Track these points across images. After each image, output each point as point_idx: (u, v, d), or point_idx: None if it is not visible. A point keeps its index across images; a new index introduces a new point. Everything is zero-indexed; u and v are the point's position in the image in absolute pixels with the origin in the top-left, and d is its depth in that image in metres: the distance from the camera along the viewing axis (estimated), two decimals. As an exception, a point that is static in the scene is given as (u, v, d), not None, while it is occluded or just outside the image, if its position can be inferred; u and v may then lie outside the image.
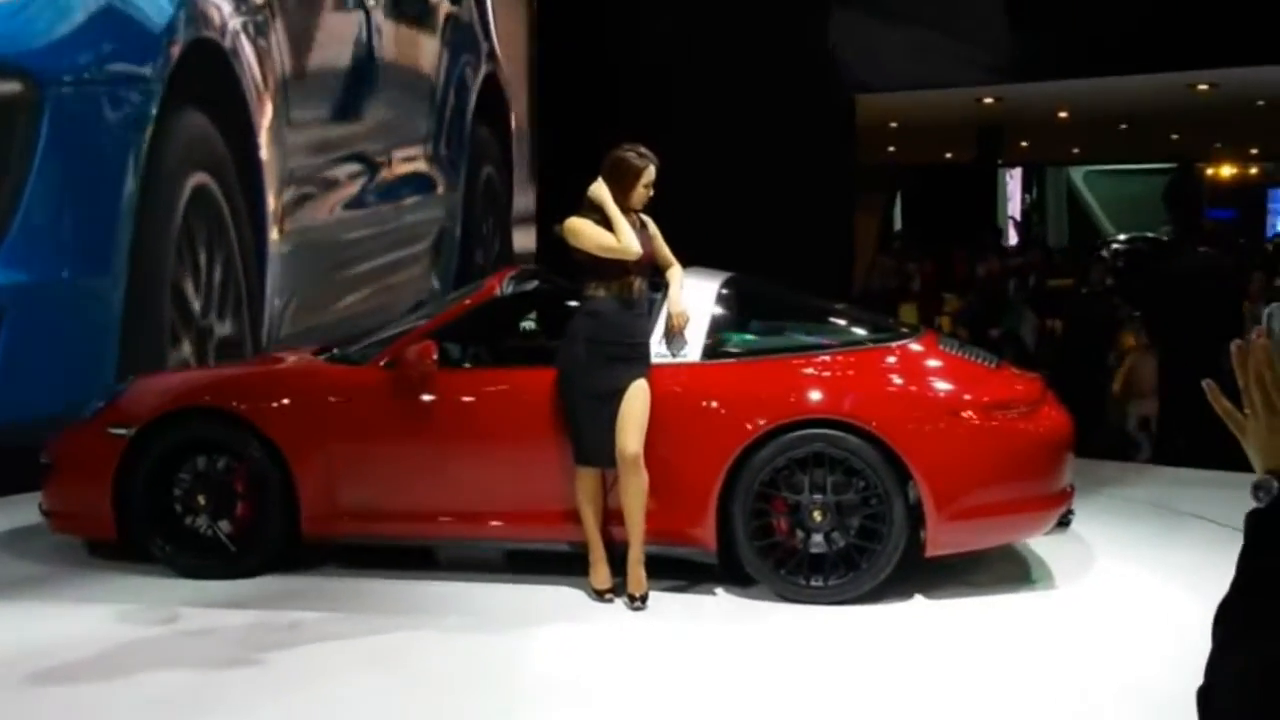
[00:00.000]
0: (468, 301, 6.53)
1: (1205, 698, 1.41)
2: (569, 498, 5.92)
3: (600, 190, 5.83)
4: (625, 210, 5.82)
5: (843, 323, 6.70)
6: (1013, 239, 24.59)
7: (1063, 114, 17.71)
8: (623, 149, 5.90)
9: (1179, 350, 9.35)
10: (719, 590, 6.02)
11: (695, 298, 6.11)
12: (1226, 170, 29.39)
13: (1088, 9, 11.07)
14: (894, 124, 18.35)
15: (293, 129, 9.71)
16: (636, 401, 5.73)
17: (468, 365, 6.55)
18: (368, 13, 10.81)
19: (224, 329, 9.13)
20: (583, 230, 5.78)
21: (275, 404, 6.29)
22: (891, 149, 22.04)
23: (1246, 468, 1.52)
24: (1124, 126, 19.87)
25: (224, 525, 6.31)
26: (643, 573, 5.81)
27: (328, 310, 10.38)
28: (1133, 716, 4.60)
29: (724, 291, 6.27)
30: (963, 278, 14.75)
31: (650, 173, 5.87)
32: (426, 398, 6.17)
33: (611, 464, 5.76)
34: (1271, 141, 23.86)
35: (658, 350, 5.96)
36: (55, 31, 7.72)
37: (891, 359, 6.16)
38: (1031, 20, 11.37)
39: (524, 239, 13.20)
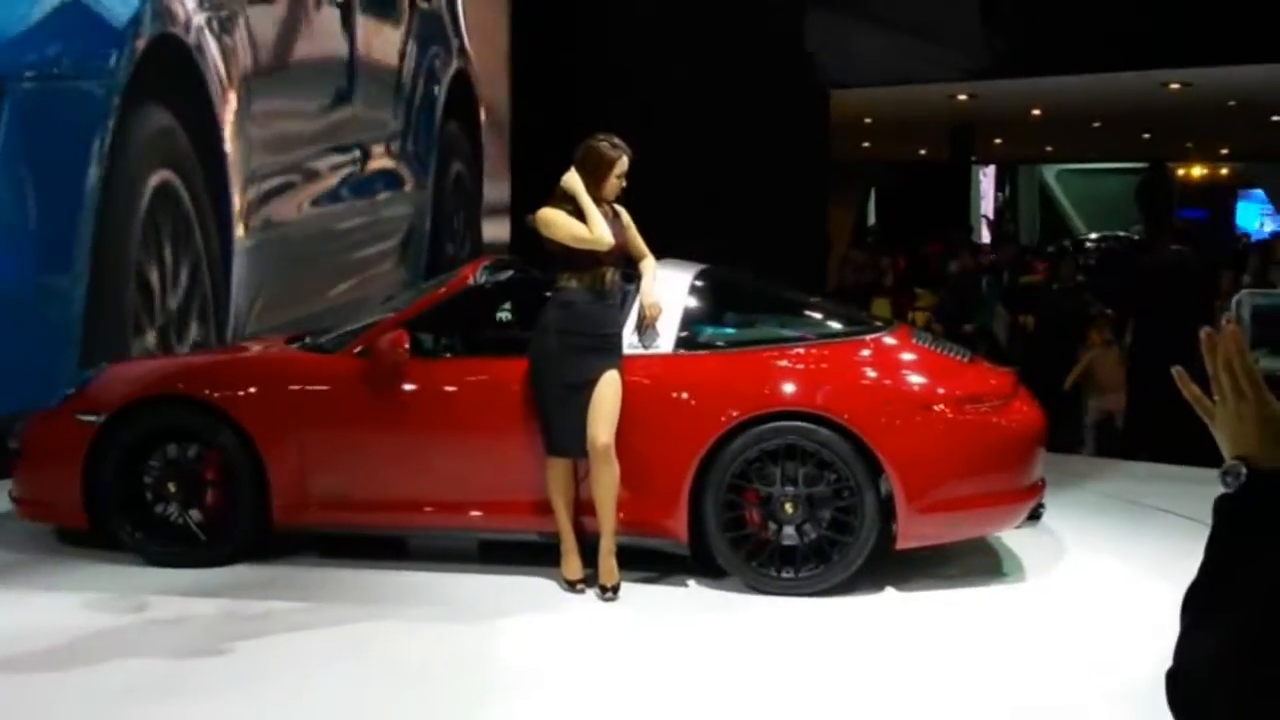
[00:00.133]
0: (442, 291, 6.52)
1: (1174, 679, 1.43)
2: (540, 488, 5.92)
3: (573, 180, 5.82)
4: (598, 201, 5.82)
5: (816, 315, 6.69)
6: (985, 238, 24.68)
7: (1036, 112, 17.78)
8: (596, 139, 5.90)
9: (1149, 345, 9.41)
10: (690, 581, 6.03)
11: (668, 289, 6.11)
12: (1197, 171, 29.59)
13: (1061, 7, 11.11)
14: (868, 120, 18.39)
15: (258, 125, 9.63)
16: (608, 392, 5.73)
17: (440, 355, 6.54)
18: (336, 8, 10.74)
19: (188, 327, 9.05)
20: (555, 220, 5.77)
21: (247, 392, 6.26)
22: (866, 145, 22.08)
23: (1214, 464, 1.52)
24: (1096, 125, 19.97)
25: (194, 514, 6.28)
26: (614, 563, 5.81)
27: (295, 307, 10.30)
28: (1103, 703, 4.62)
29: (697, 283, 6.27)
30: (935, 273, 14.82)
31: (623, 163, 5.87)
32: (398, 387, 6.15)
33: (583, 454, 5.76)
34: (1242, 142, 24.02)
35: (630, 341, 5.96)
36: (17, 26, 7.60)
37: (865, 352, 6.17)
38: (1005, 17, 11.41)
39: (498, 230, 13.17)
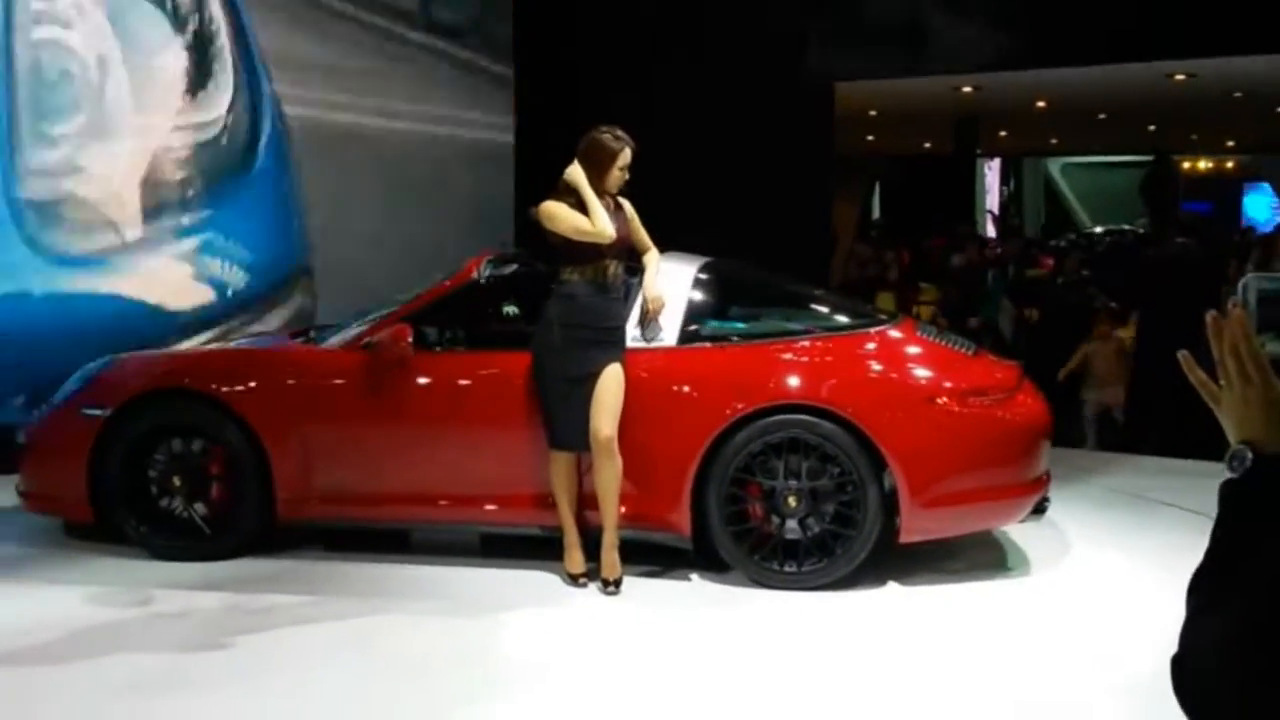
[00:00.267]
0: (446, 285, 6.50)
1: (1179, 665, 1.43)
2: (543, 482, 5.91)
3: (576, 173, 5.81)
4: (601, 193, 5.80)
5: (820, 308, 6.66)
6: (990, 232, 24.64)
7: (1041, 104, 17.73)
8: (599, 131, 5.89)
9: (1153, 338, 9.40)
10: (693, 576, 6.03)
11: (672, 282, 6.10)
12: (1203, 164, 29.56)
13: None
14: (873, 112, 18.35)
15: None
16: (611, 385, 5.72)
17: (444, 349, 6.53)
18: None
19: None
20: (557, 213, 5.77)
21: (251, 386, 6.26)
22: (870, 138, 22.05)
23: (1216, 457, 1.52)
24: (1102, 117, 19.91)
25: (199, 507, 6.29)
26: (616, 557, 5.81)
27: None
28: (1107, 697, 4.62)
29: (701, 276, 6.26)
30: (939, 268, 14.80)
31: (626, 155, 5.86)
32: (402, 381, 6.15)
33: (585, 448, 5.76)
34: (1247, 134, 23.97)
35: (633, 334, 5.96)
36: None
37: (869, 345, 6.15)
38: (1009, 9, 11.38)
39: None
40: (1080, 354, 10.13)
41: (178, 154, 8.88)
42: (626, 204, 6.00)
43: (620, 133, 5.88)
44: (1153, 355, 9.33)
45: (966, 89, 15.52)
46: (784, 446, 5.78)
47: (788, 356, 6.02)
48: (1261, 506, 1.44)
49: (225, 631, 5.26)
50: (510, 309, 7.00)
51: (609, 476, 5.72)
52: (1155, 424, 9.41)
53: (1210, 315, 1.51)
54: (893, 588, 5.88)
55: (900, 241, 17.36)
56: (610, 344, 5.82)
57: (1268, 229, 21.36)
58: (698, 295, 6.18)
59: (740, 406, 5.79)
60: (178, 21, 8.89)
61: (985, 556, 6.33)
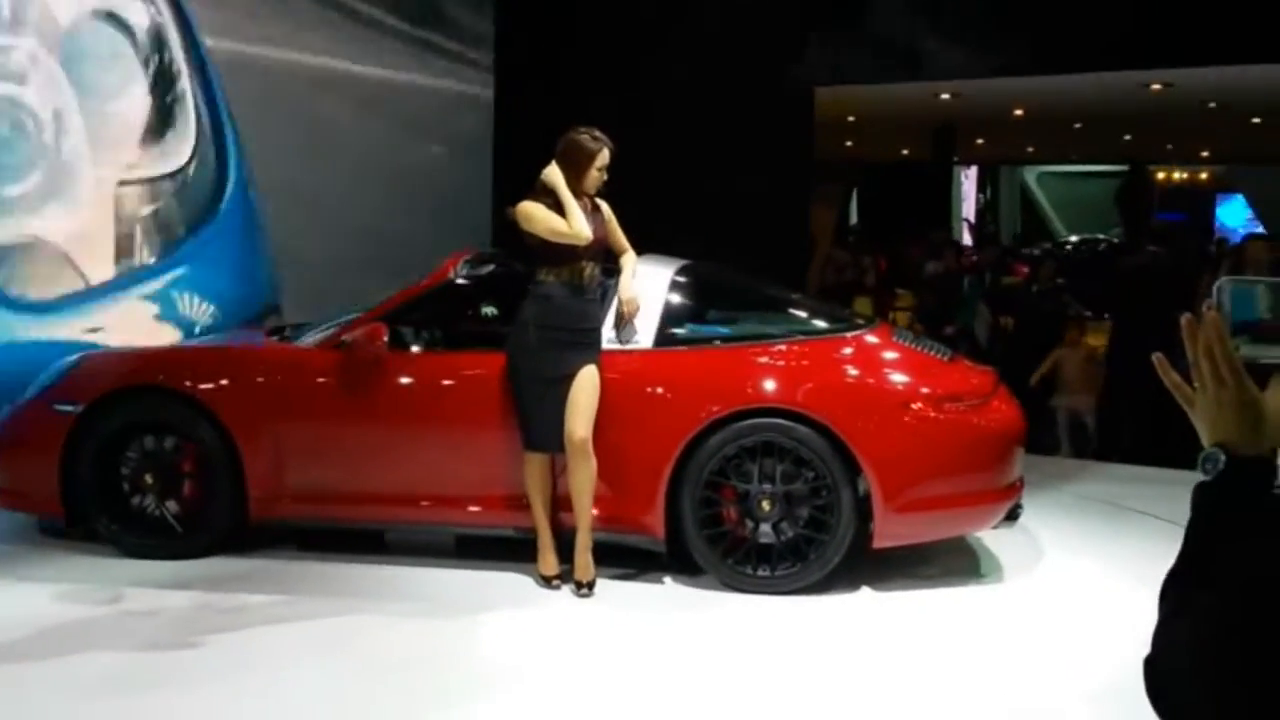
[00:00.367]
0: (422, 284, 6.49)
1: (1151, 667, 1.43)
2: (517, 483, 5.90)
3: (553, 174, 5.80)
4: (578, 194, 5.80)
5: (797, 312, 6.68)
6: (966, 240, 24.73)
7: (1018, 112, 17.80)
8: (577, 132, 5.88)
9: (1125, 345, 9.45)
10: (666, 579, 6.03)
11: (649, 284, 6.10)
12: (1177, 175, 29.72)
13: (1044, 7, 11.13)
14: (851, 118, 18.39)
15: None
16: (585, 386, 5.72)
17: (419, 348, 6.51)
18: None
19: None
20: (534, 214, 5.76)
21: (225, 384, 6.23)
22: (849, 144, 22.09)
23: (1189, 465, 1.52)
24: (1078, 126, 20.00)
25: (171, 505, 6.26)
26: (590, 559, 5.81)
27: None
28: (1080, 703, 4.63)
29: (678, 279, 6.26)
30: (915, 274, 14.84)
31: (604, 156, 5.85)
32: (376, 381, 6.13)
33: (560, 449, 5.75)
34: (1222, 144, 24.10)
35: (609, 336, 5.95)
36: None
37: (846, 350, 6.16)
38: (989, 16, 11.41)
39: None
40: (1051, 359, 10.18)
41: (139, 203, 8.67)
42: (604, 205, 6.00)
43: (598, 134, 5.88)
44: (1124, 362, 9.38)
45: (945, 96, 15.56)
46: (759, 450, 5.79)
47: (764, 360, 6.02)
48: (1234, 508, 1.45)
49: (197, 630, 5.24)
50: (487, 309, 6.99)
51: (583, 478, 5.71)
52: (1127, 430, 9.47)
53: (1185, 318, 1.51)
54: (866, 593, 5.89)
55: (877, 247, 17.41)
56: (586, 345, 5.81)
57: (1238, 238, 21.47)
58: (674, 298, 6.18)
59: (715, 409, 5.79)
60: (137, 66, 8.68)
61: (958, 562, 6.34)
